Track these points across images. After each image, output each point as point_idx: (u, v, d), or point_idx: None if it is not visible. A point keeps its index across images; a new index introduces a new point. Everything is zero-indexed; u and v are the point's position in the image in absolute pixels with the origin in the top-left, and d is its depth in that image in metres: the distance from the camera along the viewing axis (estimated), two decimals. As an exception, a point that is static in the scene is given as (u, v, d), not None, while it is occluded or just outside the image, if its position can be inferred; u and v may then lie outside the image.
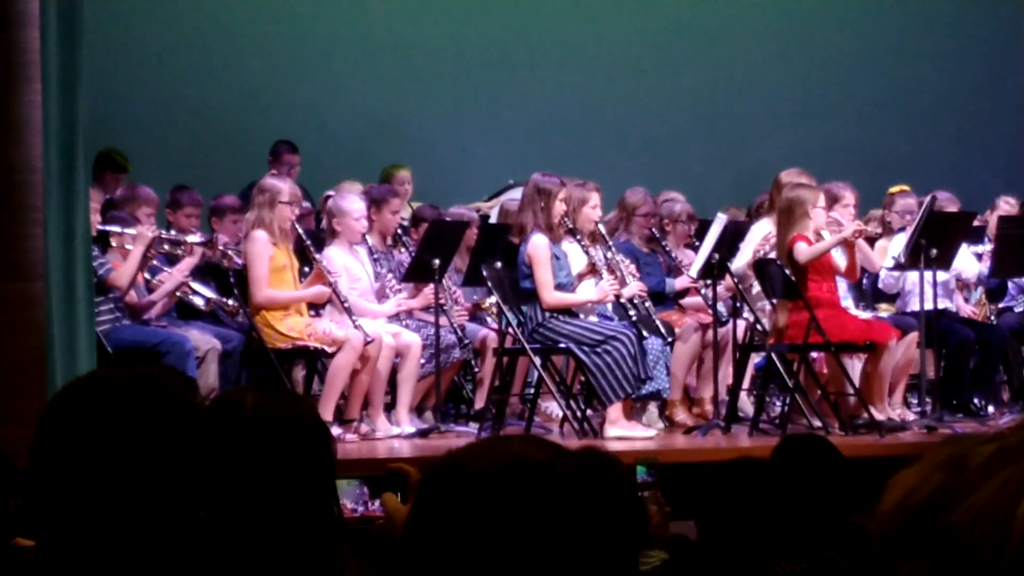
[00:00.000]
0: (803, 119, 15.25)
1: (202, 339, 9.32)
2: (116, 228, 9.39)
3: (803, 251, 9.39)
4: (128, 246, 9.26)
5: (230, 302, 9.61)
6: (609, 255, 9.78)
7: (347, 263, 9.65)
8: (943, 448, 1.07)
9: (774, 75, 15.48)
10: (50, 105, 7.91)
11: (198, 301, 9.72)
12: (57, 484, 1.94)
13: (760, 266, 9.71)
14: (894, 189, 11.39)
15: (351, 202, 9.75)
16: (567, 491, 1.69)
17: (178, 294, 9.59)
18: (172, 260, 9.60)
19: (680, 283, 10.61)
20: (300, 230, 9.51)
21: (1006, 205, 11.71)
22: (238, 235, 9.76)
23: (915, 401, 10.44)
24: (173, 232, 9.81)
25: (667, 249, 10.68)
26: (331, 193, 10.24)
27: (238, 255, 9.45)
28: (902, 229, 10.45)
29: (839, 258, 9.63)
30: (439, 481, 1.69)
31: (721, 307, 10.19)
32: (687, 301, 10.73)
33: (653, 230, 10.65)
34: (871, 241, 11.00)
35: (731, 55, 15.42)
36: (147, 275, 9.55)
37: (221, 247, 9.56)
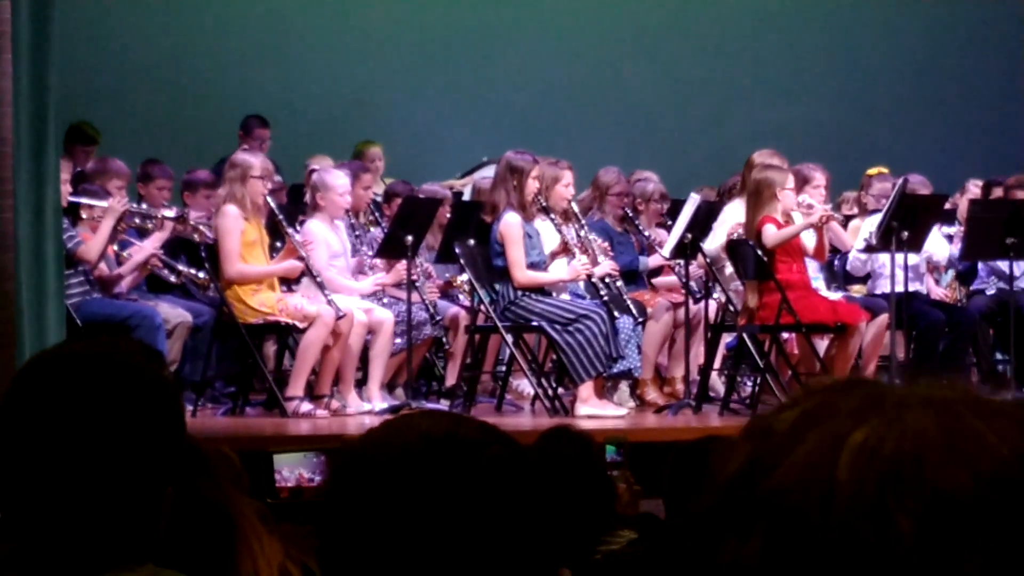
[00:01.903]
0: (779, 99, 15.26)
1: (172, 313, 9.30)
2: (87, 200, 9.35)
3: (771, 235, 9.41)
4: (98, 219, 9.22)
5: (201, 275, 9.58)
6: (582, 233, 9.78)
7: (328, 238, 9.63)
8: (748, 422, 1.07)
9: (750, 55, 15.48)
10: (21, 77, 7.87)
11: (169, 274, 9.69)
12: (21, 458, 1.93)
13: (733, 247, 9.73)
14: (872, 171, 11.41)
15: (336, 177, 9.71)
16: (476, 457, 1.70)
17: (149, 267, 9.56)
18: (143, 233, 9.57)
19: (654, 261, 10.62)
20: (273, 204, 9.48)
21: (975, 188, 11.75)
22: (211, 209, 9.72)
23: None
24: (144, 205, 9.77)
25: (640, 228, 10.69)
26: (315, 167, 10.20)
27: (209, 229, 9.42)
28: (876, 211, 10.47)
29: (808, 239, 9.65)
30: (349, 468, 1.69)
31: (693, 286, 10.20)
32: (659, 280, 10.73)
33: (626, 209, 10.65)
34: (846, 220, 11.03)
35: (707, 34, 15.42)
36: (117, 248, 9.51)
37: (192, 221, 9.52)
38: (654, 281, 10.73)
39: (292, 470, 5.03)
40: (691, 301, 9.99)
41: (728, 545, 1.00)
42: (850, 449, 0.98)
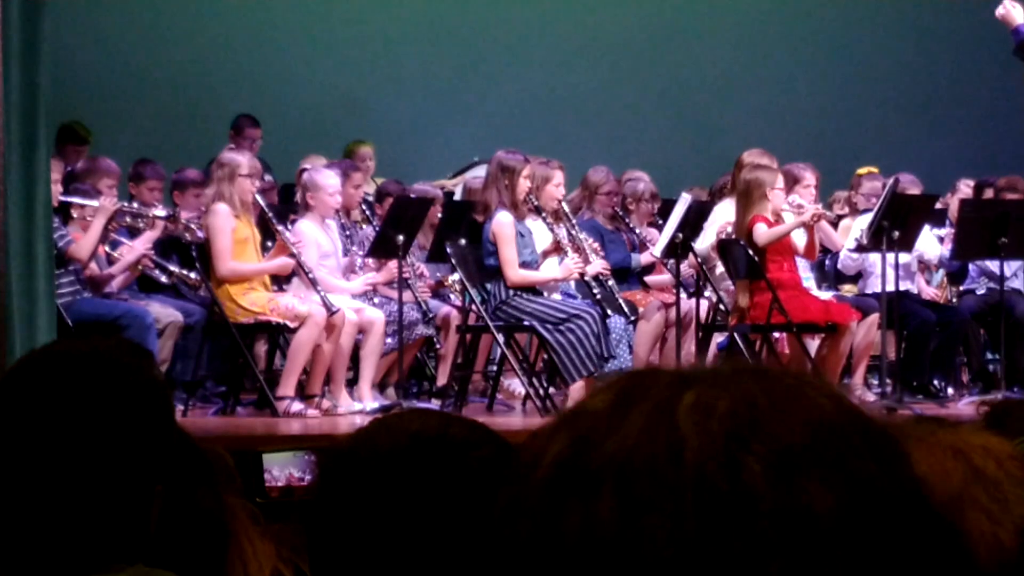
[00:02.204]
0: (770, 99, 15.27)
1: (163, 312, 9.30)
2: (77, 200, 9.35)
3: (762, 234, 9.42)
4: (89, 218, 9.21)
5: (192, 275, 9.58)
6: (573, 233, 9.79)
7: (319, 238, 9.62)
8: (556, 416, 1.11)
9: (741, 55, 15.49)
10: (11, 76, 7.85)
11: (160, 274, 9.69)
12: (10, 457, 1.93)
13: (723, 247, 9.73)
14: (862, 171, 11.42)
15: (326, 176, 9.71)
16: (465, 458, 1.71)
17: (140, 267, 9.55)
18: (134, 233, 9.57)
19: (646, 258, 10.62)
20: (263, 203, 9.48)
21: (966, 188, 11.76)
22: (200, 209, 9.72)
23: (875, 382, 10.48)
24: (135, 204, 9.77)
25: (631, 226, 10.69)
26: (307, 166, 10.21)
27: (200, 229, 9.41)
28: (867, 211, 10.48)
29: (798, 238, 9.66)
30: (338, 467, 1.69)
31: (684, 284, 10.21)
32: (651, 279, 10.74)
33: (616, 208, 10.66)
34: (837, 219, 11.03)
35: (698, 34, 15.43)
36: (108, 248, 9.51)
37: (183, 221, 9.52)
38: (647, 280, 10.73)
39: (282, 469, 5.02)
40: (684, 297, 10.00)
41: (572, 509, 1.03)
42: (685, 408, 1.04)
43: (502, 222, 9.40)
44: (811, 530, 1.01)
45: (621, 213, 10.66)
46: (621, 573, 1.02)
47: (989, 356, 11.27)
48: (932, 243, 10.84)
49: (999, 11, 10.49)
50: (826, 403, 1.06)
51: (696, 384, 1.06)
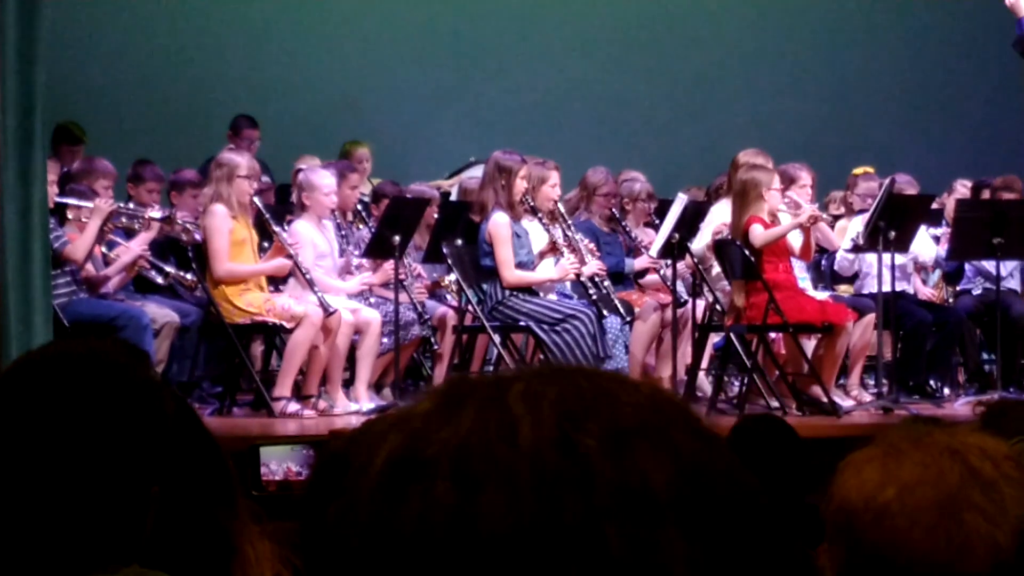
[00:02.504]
0: (767, 98, 15.27)
1: (159, 313, 9.29)
2: (73, 200, 9.34)
3: (758, 235, 9.42)
4: (85, 219, 9.20)
5: (188, 277, 9.58)
6: (569, 233, 9.79)
7: (314, 238, 9.62)
8: (382, 422, 1.14)
9: (738, 54, 15.49)
10: (8, 76, 7.85)
11: (157, 275, 9.68)
12: (5, 458, 1.93)
13: (719, 247, 9.73)
14: (858, 171, 11.42)
15: (321, 177, 9.71)
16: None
17: (136, 268, 9.55)
18: (130, 234, 9.56)
19: (639, 263, 10.62)
20: (259, 204, 9.47)
21: (963, 188, 11.76)
22: (198, 209, 9.71)
23: (872, 382, 10.48)
24: (131, 205, 9.76)
25: (627, 229, 10.69)
26: (302, 167, 10.21)
27: (197, 230, 9.41)
28: (863, 211, 10.48)
29: (794, 239, 9.66)
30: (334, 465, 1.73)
31: (680, 287, 10.20)
32: (646, 280, 10.74)
33: (614, 210, 10.66)
34: (833, 219, 11.04)
35: (695, 32, 15.43)
36: (104, 249, 9.50)
37: (180, 222, 9.51)
38: (641, 281, 10.73)
39: (280, 463, 5.02)
40: (676, 302, 10.00)
41: (410, 496, 1.06)
42: (515, 395, 1.08)
43: (498, 223, 9.40)
44: (647, 501, 1.04)
45: (618, 215, 10.66)
46: (462, 552, 1.04)
47: (985, 356, 11.28)
48: (928, 244, 10.84)
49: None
50: (647, 390, 1.12)
51: (522, 378, 1.10)
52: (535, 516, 1.04)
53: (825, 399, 9.44)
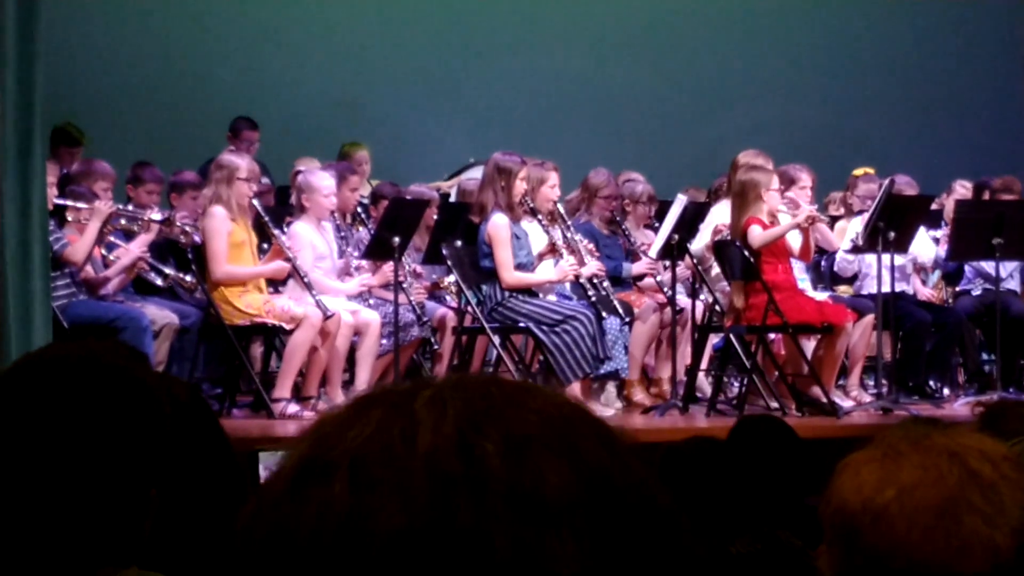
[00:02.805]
0: (767, 99, 15.27)
1: (159, 314, 9.29)
2: (73, 202, 9.34)
3: (757, 236, 9.41)
4: (85, 221, 9.20)
5: (188, 278, 9.57)
6: (568, 235, 9.79)
7: (314, 239, 9.62)
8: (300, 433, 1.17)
9: (738, 55, 15.50)
10: (7, 78, 7.85)
11: (156, 277, 9.68)
12: (4, 460, 1.93)
13: (719, 248, 9.73)
14: (858, 172, 11.42)
15: (321, 178, 9.71)
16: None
17: (135, 270, 9.54)
18: (129, 236, 9.55)
19: (637, 268, 10.60)
20: (259, 206, 9.47)
21: (962, 189, 11.76)
22: (197, 211, 9.71)
23: (872, 383, 10.48)
24: (130, 207, 9.76)
25: (627, 232, 10.67)
26: (301, 168, 10.20)
27: (196, 231, 9.40)
28: (862, 212, 10.48)
29: (793, 240, 9.66)
30: None
31: (680, 288, 10.20)
32: (645, 282, 10.73)
33: (615, 213, 10.64)
34: (832, 220, 11.04)
35: (694, 33, 15.43)
36: (104, 251, 9.50)
37: (179, 223, 9.51)
38: (639, 283, 10.72)
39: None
40: (670, 307, 10.00)
41: (310, 496, 1.09)
42: (422, 401, 1.11)
43: (498, 224, 9.40)
44: (538, 504, 1.06)
45: (619, 218, 10.64)
46: (355, 551, 1.06)
47: (985, 357, 11.28)
48: (927, 245, 10.84)
49: None
50: (556, 399, 1.14)
51: (434, 386, 1.13)
52: (428, 517, 1.06)
53: (825, 400, 9.44)
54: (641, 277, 10.69)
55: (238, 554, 1.12)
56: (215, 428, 2.77)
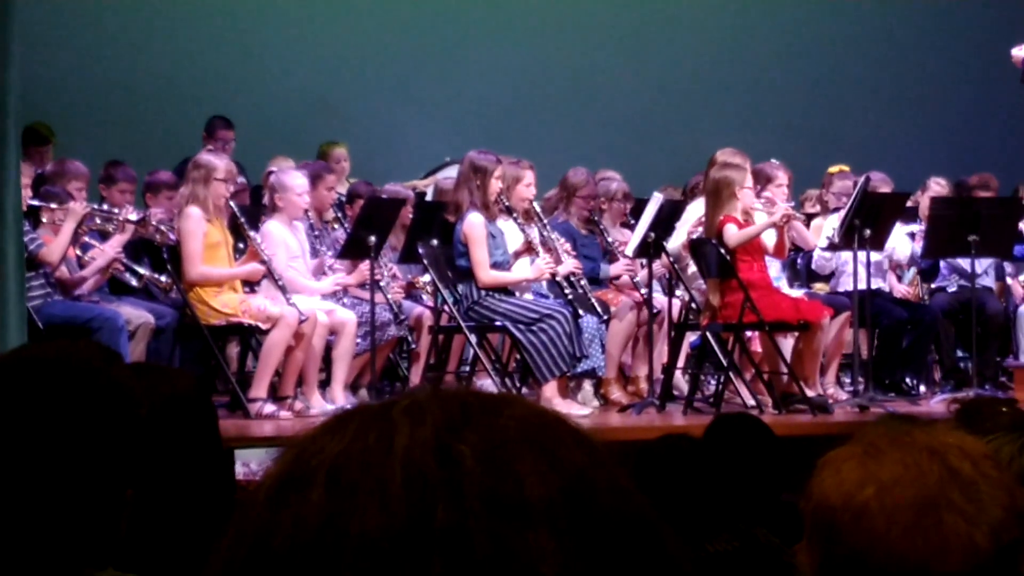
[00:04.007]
0: (744, 98, 15.29)
1: (134, 314, 9.27)
2: (47, 203, 9.31)
3: (733, 235, 9.42)
4: (59, 221, 9.17)
5: (163, 279, 9.55)
6: (545, 233, 9.78)
7: (287, 239, 9.60)
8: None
9: (715, 54, 15.51)
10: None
11: (131, 278, 9.65)
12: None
13: (695, 246, 9.74)
14: (833, 169, 11.44)
15: (293, 178, 9.69)
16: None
17: (111, 271, 9.52)
18: (104, 236, 9.53)
19: (615, 270, 10.60)
20: (235, 207, 9.45)
21: (936, 186, 11.80)
22: (173, 211, 9.69)
23: (848, 380, 10.50)
24: (105, 207, 9.73)
25: (604, 232, 10.67)
26: (273, 168, 10.18)
27: (172, 231, 9.38)
28: (838, 209, 10.50)
29: (768, 238, 9.67)
30: None
31: (656, 286, 10.21)
32: (622, 281, 10.73)
33: (592, 213, 10.63)
34: (808, 218, 11.06)
35: (671, 34, 15.44)
36: (79, 251, 9.47)
37: (155, 223, 9.48)
38: (616, 282, 10.72)
39: (261, 464, 5.01)
40: (646, 307, 10.01)
41: (288, 504, 1.10)
42: (399, 410, 1.12)
43: (473, 223, 9.40)
44: (518, 505, 1.07)
45: (596, 218, 10.64)
46: (332, 554, 1.07)
47: (960, 354, 11.31)
48: (903, 242, 10.87)
49: (1016, 53, 10.66)
50: (533, 407, 1.16)
51: (412, 396, 1.14)
52: (406, 519, 1.07)
53: (804, 395, 9.44)
54: (619, 276, 10.69)
55: (222, 568, 1.13)
56: (212, 426, 2.76)
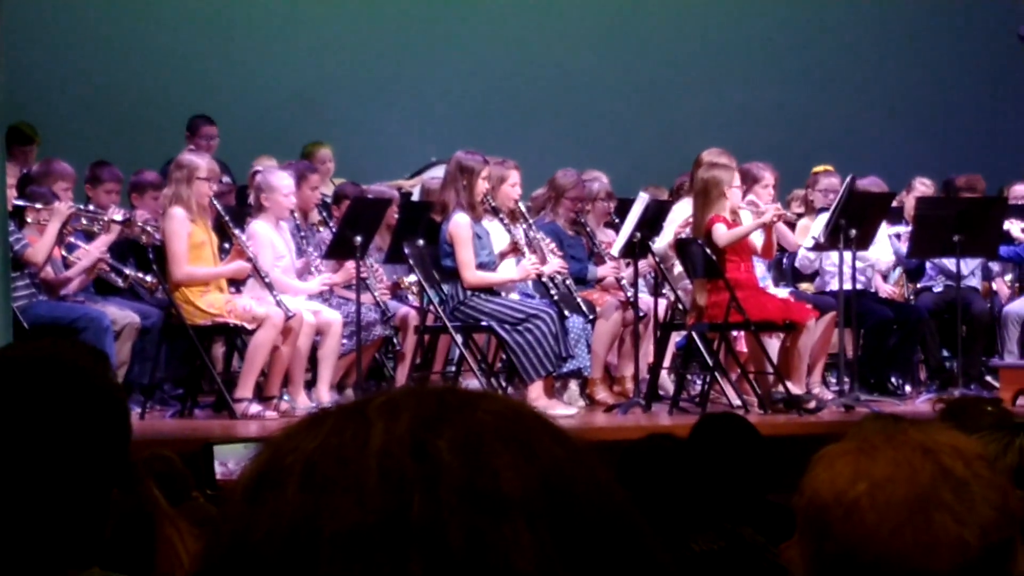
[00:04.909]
0: (730, 98, 15.31)
1: (120, 315, 9.26)
2: (32, 203, 9.30)
3: (723, 235, 9.43)
4: (44, 222, 9.16)
5: (149, 279, 9.54)
6: (531, 233, 9.78)
7: (273, 239, 9.59)
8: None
9: (702, 55, 15.52)
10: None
11: (116, 278, 9.64)
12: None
13: (681, 246, 9.74)
14: (818, 168, 11.45)
15: (279, 178, 9.68)
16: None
17: (96, 271, 9.50)
18: (90, 236, 9.51)
19: (602, 271, 10.60)
20: (219, 207, 9.44)
21: (922, 186, 11.82)
22: (158, 211, 9.67)
23: (833, 380, 10.51)
24: (91, 207, 9.72)
25: (591, 233, 10.67)
26: (259, 168, 10.17)
27: (157, 231, 9.37)
28: (824, 209, 10.51)
29: (755, 238, 9.68)
30: None
31: (642, 286, 10.21)
32: (607, 280, 10.73)
33: (580, 215, 10.62)
34: (795, 219, 11.06)
35: (657, 34, 15.45)
36: (64, 251, 9.46)
37: (140, 223, 9.47)
38: (602, 283, 10.71)
39: (238, 463, 5.00)
40: (632, 307, 10.01)
41: (264, 501, 1.10)
42: (375, 406, 1.12)
43: (459, 223, 9.39)
44: (494, 498, 1.07)
45: (582, 220, 10.63)
46: (307, 550, 1.07)
47: (946, 353, 11.33)
48: (886, 249, 10.84)
49: None
50: (510, 403, 1.15)
51: (388, 394, 1.14)
52: (381, 513, 1.06)
53: (790, 395, 9.45)
54: (605, 277, 10.69)
55: (204, 565, 1.13)
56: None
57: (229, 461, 5.05)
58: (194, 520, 2.60)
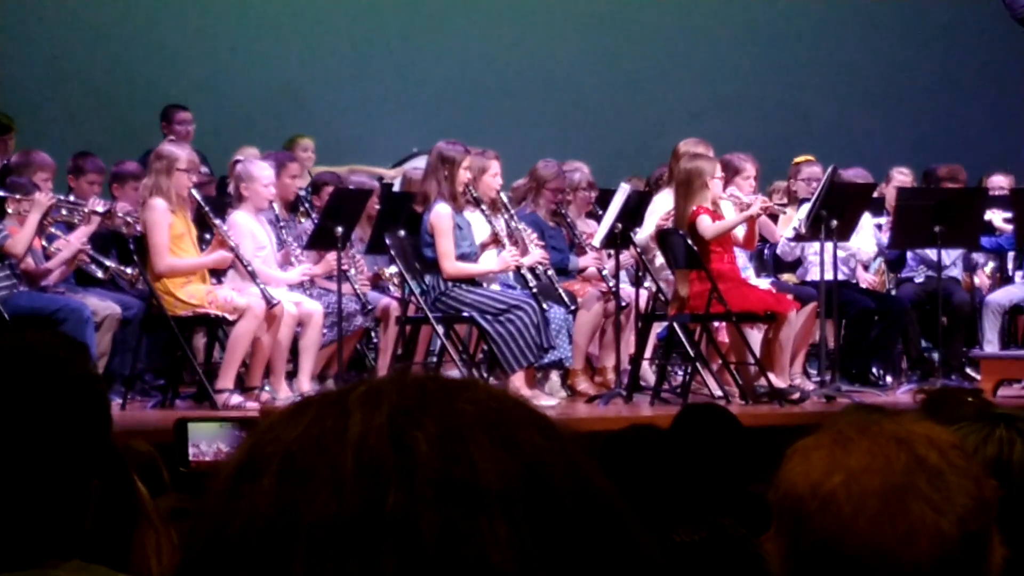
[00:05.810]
0: (711, 89, 15.32)
1: (100, 305, 9.25)
2: (12, 194, 9.27)
3: (709, 227, 9.42)
4: (24, 212, 9.13)
5: (129, 270, 9.52)
6: (512, 224, 9.78)
7: (254, 229, 9.57)
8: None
9: (683, 46, 15.53)
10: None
11: (96, 269, 9.62)
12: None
13: (663, 237, 9.74)
14: (798, 159, 11.46)
15: (260, 168, 9.67)
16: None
17: (77, 262, 9.49)
18: (71, 227, 9.50)
19: (584, 261, 10.60)
20: (199, 197, 9.42)
21: (900, 175, 11.84)
22: (139, 201, 9.66)
23: (815, 371, 10.53)
24: (71, 198, 9.69)
25: (571, 224, 10.67)
26: (239, 158, 10.16)
27: (138, 222, 9.35)
28: (807, 199, 10.51)
29: (738, 229, 9.68)
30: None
31: (624, 276, 10.21)
32: (589, 271, 10.74)
33: (560, 206, 10.62)
34: (782, 207, 11.07)
35: (638, 25, 15.45)
36: (44, 242, 9.44)
37: (121, 215, 9.45)
38: (583, 274, 10.72)
39: (211, 443, 4.97)
40: (613, 298, 10.01)
41: (242, 492, 1.10)
42: (356, 396, 1.12)
43: (440, 214, 9.39)
44: (471, 491, 1.06)
45: (563, 211, 10.63)
46: (284, 541, 1.07)
47: (926, 344, 11.35)
48: (868, 240, 10.86)
49: None
50: (494, 392, 1.15)
51: (369, 383, 1.14)
52: (357, 506, 1.06)
53: (772, 386, 9.46)
54: (587, 268, 10.70)
55: (184, 555, 1.13)
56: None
57: (201, 442, 5.03)
58: (170, 512, 2.59)
